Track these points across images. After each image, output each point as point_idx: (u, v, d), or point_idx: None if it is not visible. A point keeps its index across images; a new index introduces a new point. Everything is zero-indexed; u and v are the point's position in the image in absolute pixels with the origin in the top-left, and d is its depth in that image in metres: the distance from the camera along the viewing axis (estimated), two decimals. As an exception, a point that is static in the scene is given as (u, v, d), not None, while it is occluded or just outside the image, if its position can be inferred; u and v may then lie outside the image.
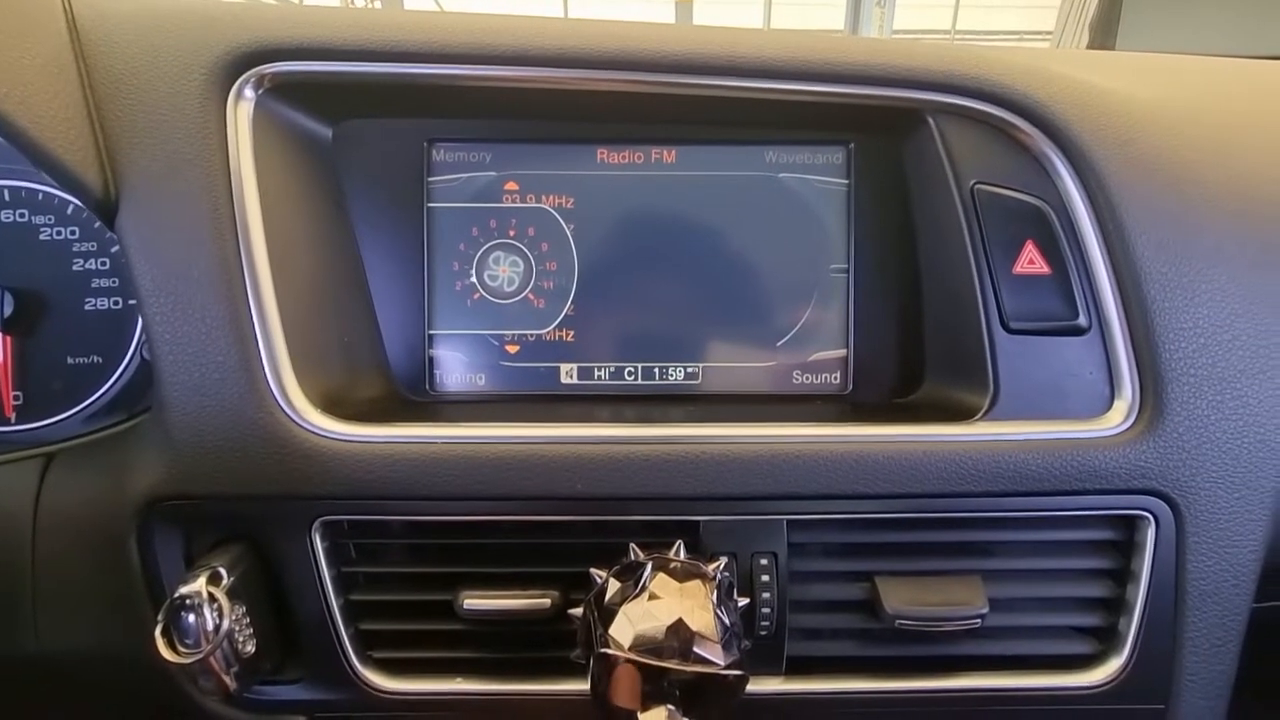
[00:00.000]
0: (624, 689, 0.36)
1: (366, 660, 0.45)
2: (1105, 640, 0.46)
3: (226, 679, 0.40)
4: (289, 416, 0.42)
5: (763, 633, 0.44)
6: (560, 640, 0.44)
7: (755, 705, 0.45)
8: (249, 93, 0.45)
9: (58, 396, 0.56)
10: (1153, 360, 0.44)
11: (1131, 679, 0.45)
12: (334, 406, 0.44)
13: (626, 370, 0.53)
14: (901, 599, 0.44)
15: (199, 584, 0.39)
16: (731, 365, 0.53)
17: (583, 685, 0.41)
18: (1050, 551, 0.46)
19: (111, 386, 0.56)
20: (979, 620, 0.44)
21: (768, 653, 0.45)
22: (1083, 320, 0.46)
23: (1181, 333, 0.44)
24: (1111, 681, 0.46)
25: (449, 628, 0.44)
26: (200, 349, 0.42)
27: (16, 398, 0.57)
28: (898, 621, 0.43)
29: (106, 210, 0.44)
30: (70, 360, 0.57)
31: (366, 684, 0.44)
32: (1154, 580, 0.45)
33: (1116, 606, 0.46)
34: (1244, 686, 0.48)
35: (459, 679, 0.45)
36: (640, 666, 0.36)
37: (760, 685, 0.45)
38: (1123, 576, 0.46)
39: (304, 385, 0.43)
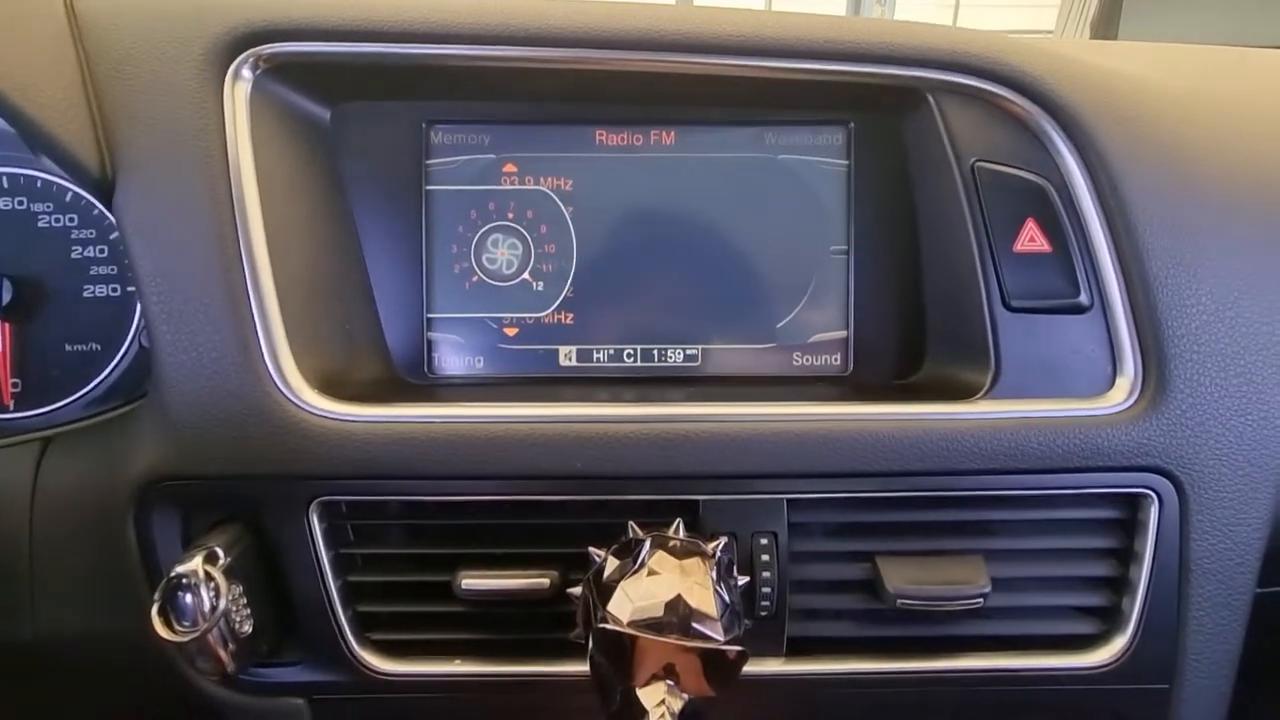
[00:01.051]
0: (624, 658, 0.35)
1: (364, 642, 0.45)
2: (1109, 620, 0.46)
3: (224, 658, 0.40)
4: (286, 396, 0.42)
5: (763, 613, 0.44)
6: (559, 622, 0.43)
7: (756, 686, 0.45)
8: (246, 73, 0.45)
9: (56, 383, 0.56)
10: (1155, 337, 0.44)
11: (1135, 659, 0.45)
12: (332, 388, 0.44)
13: (625, 353, 0.53)
14: (903, 578, 0.44)
15: (195, 563, 0.38)
16: (731, 347, 0.53)
17: (582, 666, 0.41)
18: (1053, 530, 0.46)
19: (110, 374, 0.56)
20: (981, 600, 0.43)
21: (768, 633, 0.45)
22: (1084, 298, 0.45)
23: (1184, 310, 0.44)
24: (1115, 661, 0.45)
25: (448, 609, 0.44)
26: (197, 328, 0.42)
27: (15, 385, 0.57)
28: (899, 601, 0.43)
29: (103, 190, 0.44)
30: (69, 347, 0.57)
31: (365, 666, 0.44)
32: (1158, 559, 0.44)
33: (1120, 586, 0.46)
34: (1250, 673, 0.48)
35: (458, 660, 0.44)
36: (640, 640, 0.35)
37: (761, 666, 0.45)
38: (1126, 556, 0.45)
39: (301, 365, 0.43)
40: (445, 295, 0.53)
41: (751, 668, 0.43)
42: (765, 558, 0.43)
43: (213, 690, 0.45)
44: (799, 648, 0.45)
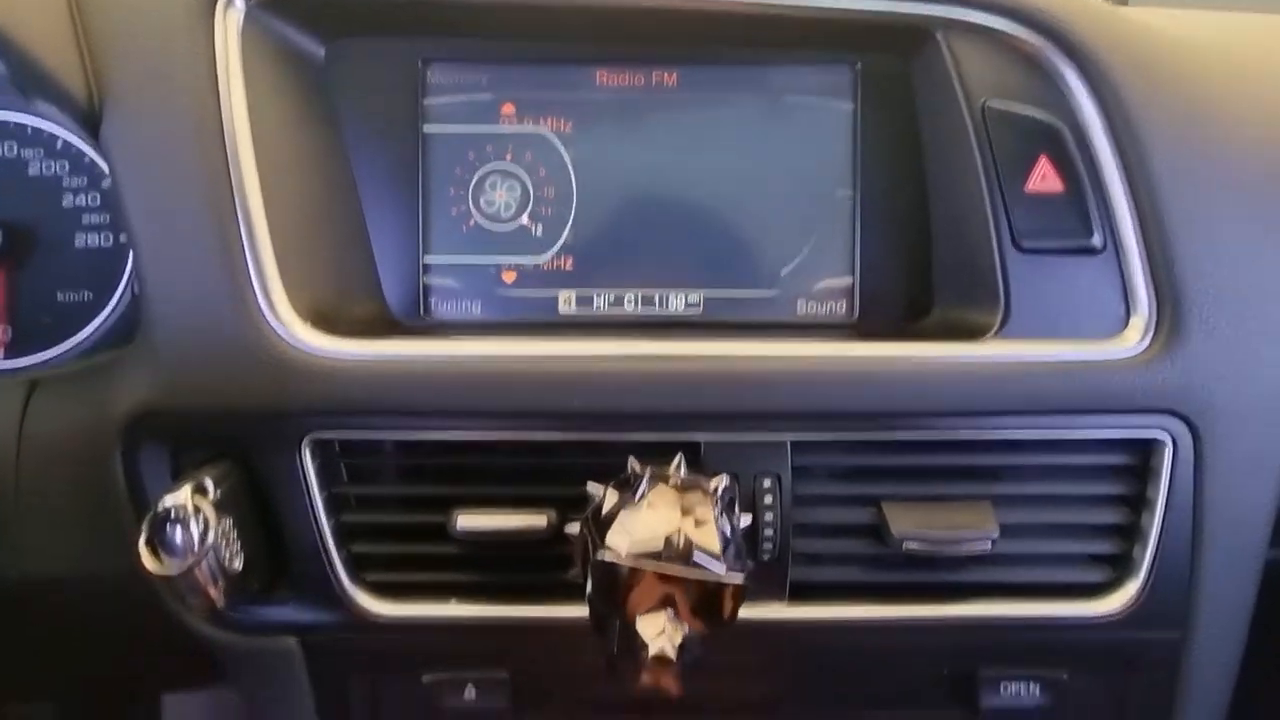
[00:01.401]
0: (622, 590, 0.34)
1: (358, 583, 0.44)
2: (1120, 568, 0.45)
3: (213, 594, 0.39)
4: (275, 330, 0.41)
5: (765, 557, 0.43)
6: (557, 564, 0.43)
7: (758, 631, 0.44)
8: (239, 4, 0.44)
9: (47, 332, 0.55)
10: (1170, 279, 0.43)
11: (1146, 607, 0.44)
12: (325, 325, 0.43)
13: (627, 298, 0.52)
14: (909, 522, 0.43)
15: (184, 494, 0.37)
16: (734, 294, 0.52)
17: (580, 608, 0.40)
18: (1063, 477, 0.45)
19: (102, 323, 0.56)
20: (989, 544, 0.42)
21: (771, 578, 0.43)
22: (1097, 240, 0.44)
23: (1201, 251, 0.43)
24: (1126, 610, 0.44)
25: (443, 551, 0.43)
26: (186, 260, 0.41)
27: (6, 332, 0.56)
28: (905, 544, 0.42)
29: (90, 121, 0.43)
30: (60, 296, 0.56)
31: (358, 608, 0.43)
32: (1171, 506, 0.43)
33: (1132, 533, 0.45)
34: (1263, 638, 0.47)
35: (453, 601, 0.43)
36: (638, 573, 0.34)
37: (763, 611, 0.44)
38: (1139, 503, 0.44)
39: (293, 300, 0.42)
40: (442, 238, 0.52)
41: (754, 613, 0.43)
42: (768, 500, 0.42)
43: (203, 629, 0.44)
44: (802, 593, 0.44)
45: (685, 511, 0.36)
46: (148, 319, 0.42)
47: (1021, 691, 0.45)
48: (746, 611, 0.41)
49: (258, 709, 0.45)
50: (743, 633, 0.41)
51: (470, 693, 0.44)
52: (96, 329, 0.56)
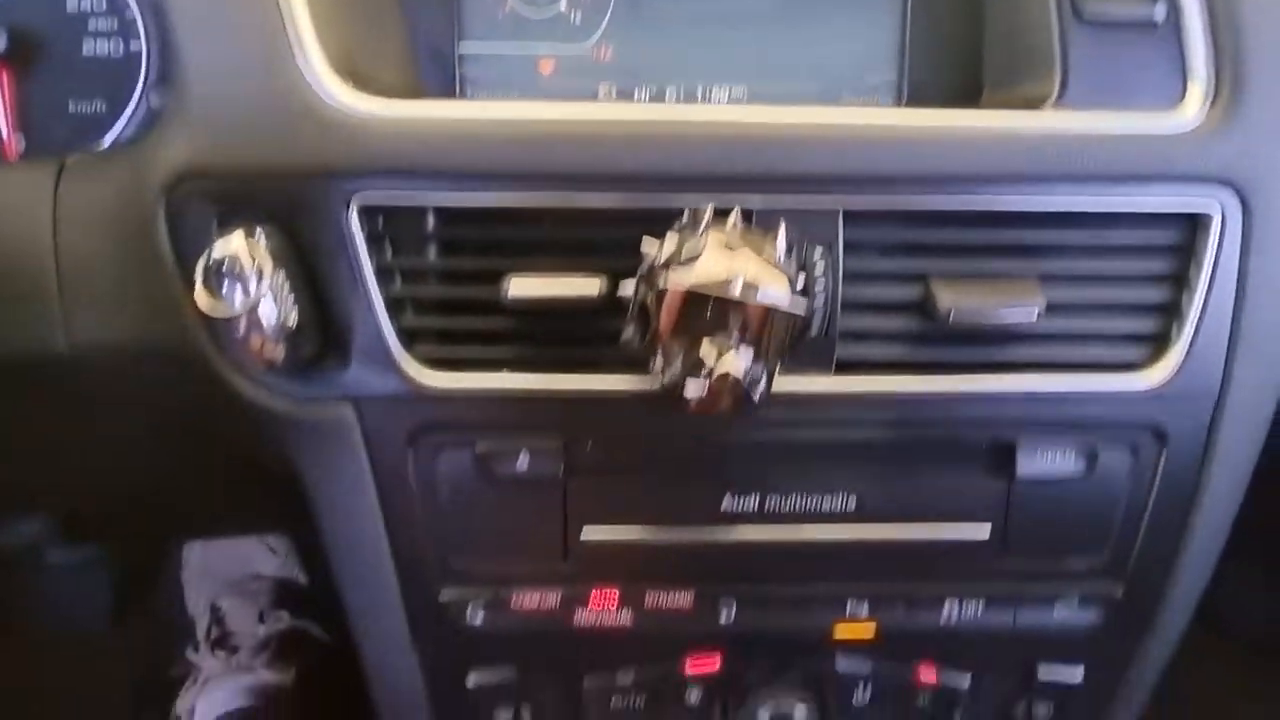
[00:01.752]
0: (685, 320, 0.35)
1: (410, 356, 0.43)
2: (1160, 344, 0.45)
3: (270, 348, 0.39)
4: (310, 85, 0.40)
5: (812, 331, 0.43)
6: (610, 337, 0.43)
7: (802, 403, 0.44)
8: None
9: (62, 142, 0.54)
10: (1231, 48, 0.42)
11: (1184, 380, 0.45)
12: (363, 88, 0.41)
13: (668, 92, 0.51)
14: (956, 297, 0.43)
15: (237, 238, 0.37)
16: (778, 87, 0.51)
17: (634, 378, 0.40)
18: (1110, 254, 0.45)
19: (118, 136, 0.54)
20: (1034, 314, 0.43)
21: (817, 352, 0.44)
22: (1159, 11, 0.43)
23: (1264, 19, 0.42)
24: (1163, 384, 0.45)
25: (494, 325, 0.43)
26: (219, 16, 0.40)
27: (20, 141, 0.55)
28: (952, 315, 0.42)
29: None
30: (72, 107, 0.54)
31: (411, 378, 0.43)
32: (1215, 283, 0.44)
33: (1174, 311, 0.45)
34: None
35: (506, 370, 0.44)
36: (704, 299, 0.34)
37: (807, 385, 0.44)
38: (1182, 281, 0.45)
39: (331, 60, 0.41)
40: (477, 26, 0.50)
41: (798, 386, 0.43)
42: (819, 269, 0.42)
43: (258, 398, 0.44)
44: (848, 369, 0.45)
45: (747, 247, 0.36)
46: (182, 77, 0.41)
47: (1057, 459, 0.46)
48: (790, 385, 0.42)
49: (316, 481, 0.46)
50: (788, 406, 0.42)
51: (523, 461, 0.44)
52: (112, 142, 0.54)
